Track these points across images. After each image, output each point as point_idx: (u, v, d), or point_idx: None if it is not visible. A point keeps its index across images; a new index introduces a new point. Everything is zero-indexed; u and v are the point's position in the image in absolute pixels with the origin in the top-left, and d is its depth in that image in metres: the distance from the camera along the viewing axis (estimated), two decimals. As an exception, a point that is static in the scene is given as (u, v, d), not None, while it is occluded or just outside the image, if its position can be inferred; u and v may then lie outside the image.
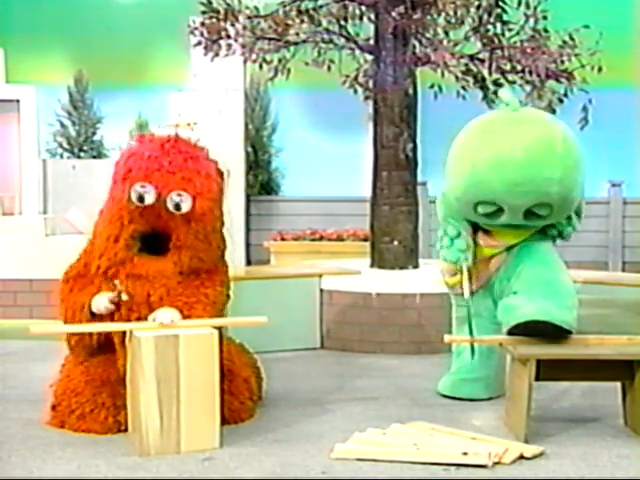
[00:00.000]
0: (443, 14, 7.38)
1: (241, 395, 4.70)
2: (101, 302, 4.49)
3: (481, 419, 4.82)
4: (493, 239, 5.01)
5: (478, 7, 7.52)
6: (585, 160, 4.81)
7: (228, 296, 4.79)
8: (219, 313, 4.65)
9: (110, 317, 4.52)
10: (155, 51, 12.03)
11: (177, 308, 4.46)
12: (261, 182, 12.04)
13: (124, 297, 4.47)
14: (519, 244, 4.97)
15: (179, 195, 4.43)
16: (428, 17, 7.41)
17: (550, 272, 4.87)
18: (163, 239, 4.60)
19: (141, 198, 4.42)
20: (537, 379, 4.46)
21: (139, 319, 4.46)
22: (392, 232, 7.51)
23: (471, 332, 4.89)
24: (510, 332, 4.67)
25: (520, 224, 4.86)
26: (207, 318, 4.51)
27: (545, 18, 7.57)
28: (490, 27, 7.62)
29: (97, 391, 4.50)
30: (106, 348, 4.57)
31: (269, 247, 10.72)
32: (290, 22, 7.56)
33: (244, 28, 7.63)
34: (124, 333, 4.41)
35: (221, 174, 4.72)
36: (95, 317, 4.50)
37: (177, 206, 4.44)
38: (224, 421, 4.41)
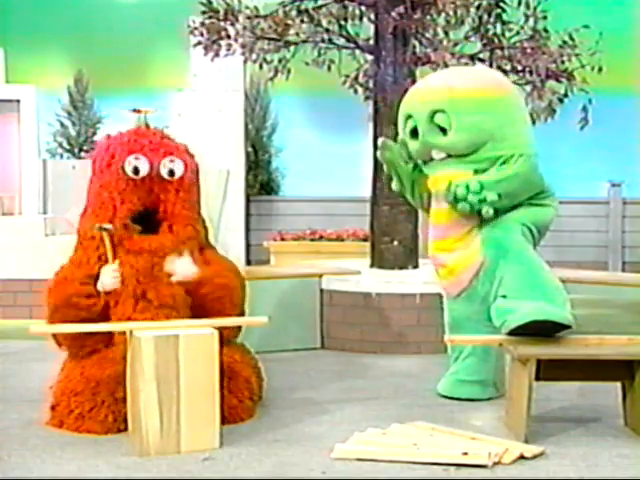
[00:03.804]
0: (443, 14, 7.38)
1: (241, 394, 4.71)
2: (106, 277, 4.54)
3: (481, 419, 4.82)
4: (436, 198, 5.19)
5: (478, 7, 7.52)
6: (514, 121, 5.08)
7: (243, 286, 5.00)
8: (238, 277, 4.95)
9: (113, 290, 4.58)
10: (155, 51, 12.00)
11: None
12: (261, 182, 12.01)
13: (109, 226, 4.54)
14: (482, 232, 5.00)
15: (172, 161, 4.62)
16: (428, 17, 7.41)
17: (532, 273, 4.86)
18: (155, 222, 4.72)
19: (136, 170, 4.57)
20: (537, 379, 4.46)
21: (144, 292, 4.54)
22: (392, 232, 7.50)
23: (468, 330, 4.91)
24: (509, 334, 4.66)
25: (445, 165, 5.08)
26: (226, 273, 4.81)
27: (545, 18, 7.56)
28: (490, 27, 7.63)
29: (96, 391, 4.50)
30: (102, 347, 4.59)
31: (269, 247, 10.69)
32: (290, 22, 7.56)
33: (244, 28, 7.62)
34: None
35: (192, 156, 4.91)
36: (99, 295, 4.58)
37: (171, 172, 4.62)
38: (224, 420, 4.42)
